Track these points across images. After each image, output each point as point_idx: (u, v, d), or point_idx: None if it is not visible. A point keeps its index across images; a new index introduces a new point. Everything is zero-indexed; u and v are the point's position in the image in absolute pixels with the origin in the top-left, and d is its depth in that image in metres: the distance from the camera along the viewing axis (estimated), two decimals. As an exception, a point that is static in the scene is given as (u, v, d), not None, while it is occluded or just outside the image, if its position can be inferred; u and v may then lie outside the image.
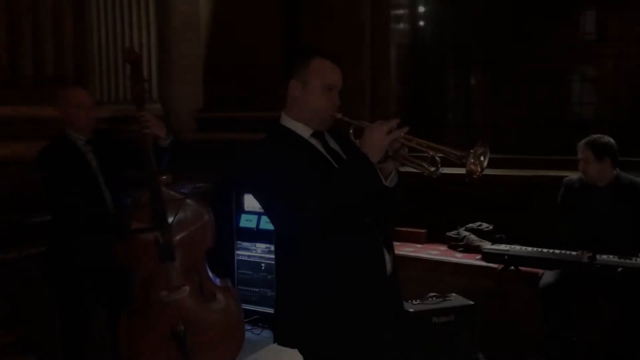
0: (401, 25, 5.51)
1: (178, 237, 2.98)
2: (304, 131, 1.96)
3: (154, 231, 2.85)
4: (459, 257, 4.19)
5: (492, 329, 3.72)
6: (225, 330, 3.09)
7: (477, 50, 5.45)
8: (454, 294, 3.80)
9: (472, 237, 4.31)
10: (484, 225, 4.39)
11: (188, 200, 3.10)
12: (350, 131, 2.00)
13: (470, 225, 4.43)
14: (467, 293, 3.64)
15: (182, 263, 3.00)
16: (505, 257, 3.44)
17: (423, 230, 4.64)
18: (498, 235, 3.98)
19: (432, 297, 3.82)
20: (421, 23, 5.63)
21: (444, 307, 3.60)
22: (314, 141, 1.96)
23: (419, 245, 4.54)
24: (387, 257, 1.92)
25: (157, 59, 6.58)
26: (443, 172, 1.83)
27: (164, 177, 4.00)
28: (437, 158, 1.79)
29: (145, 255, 2.93)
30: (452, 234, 4.43)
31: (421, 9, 5.59)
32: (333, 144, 2.01)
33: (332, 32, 5.32)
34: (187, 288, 3.01)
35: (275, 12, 5.67)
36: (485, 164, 1.75)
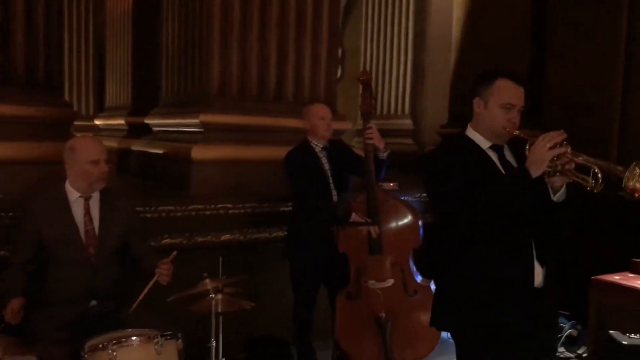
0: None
1: (386, 235, 3.40)
2: (483, 143, 2.17)
3: (367, 226, 3.32)
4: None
5: None
6: (422, 326, 3.38)
7: None
8: (687, 337, 3.41)
9: None
10: None
11: (400, 204, 3.50)
12: (527, 146, 2.14)
13: None
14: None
15: (388, 258, 3.41)
16: None
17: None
18: None
19: (654, 334, 3.50)
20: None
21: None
22: (490, 153, 2.16)
23: (661, 280, 4.10)
24: (539, 270, 2.02)
25: (412, 77, 7.18)
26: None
27: (392, 185, 4.49)
28: (598, 174, 1.83)
29: (359, 246, 3.42)
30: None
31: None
32: (509, 157, 2.17)
33: (583, 47, 5.17)
34: (392, 281, 3.41)
35: (523, 33, 5.72)
36: None
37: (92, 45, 8.55)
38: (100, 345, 2.22)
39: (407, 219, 3.46)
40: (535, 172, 1.91)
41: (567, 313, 4.34)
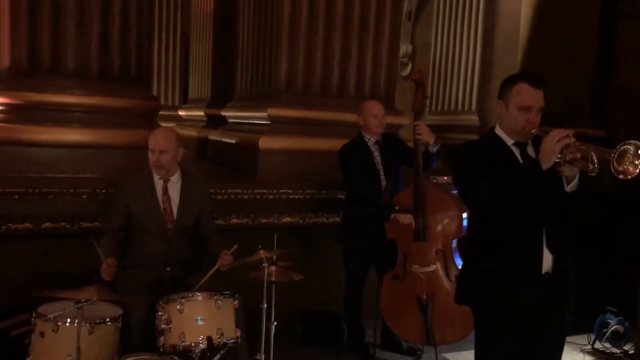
0: None
1: (430, 224, 3.67)
2: (508, 140, 2.40)
3: (411, 213, 3.61)
4: None
5: None
6: (461, 309, 3.61)
7: None
8: None
9: None
10: None
11: (445, 196, 3.75)
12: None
13: None
14: None
15: (432, 245, 3.68)
16: None
17: None
18: None
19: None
20: None
21: None
22: (514, 148, 2.39)
23: None
24: (548, 257, 2.25)
25: (479, 74, 7.28)
26: None
27: (446, 178, 4.72)
28: (595, 159, 2.03)
29: (405, 234, 3.71)
30: None
31: None
32: (531, 152, 2.39)
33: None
34: (435, 266, 3.68)
35: (591, 33, 5.73)
36: None
37: (180, 41, 9.24)
38: (173, 299, 2.67)
39: (451, 210, 3.70)
40: (546, 164, 2.14)
41: (615, 309, 4.42)
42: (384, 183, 3.86)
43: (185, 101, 8.77)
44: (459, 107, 7.33)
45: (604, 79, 5.79)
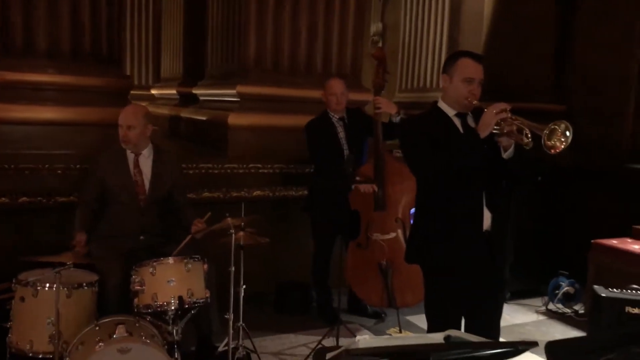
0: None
1: (390, 194, 3.90)
2: (450, 111, 2.61)
3: (372, 183, 3.83)
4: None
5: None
6: (420, 273, 3.87)
7: None
8: (666, 293, 3.77)
9: None
10: None
11: (404, 167, 3.95)
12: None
13: None
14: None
15: (392, 214, 3.92)
16: None
17: (664, 230, 4.50)
18: None
19: (635, 289, 3.88)
20: None
21: (640, 300, 3.65)
22: (455, 120, 2.60)
23: (654, 244, 4.44)
24: (488, 215, 2.49)
25: (447, 52, 7.49)
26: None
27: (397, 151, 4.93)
28: (528, 134, 2.27)
29: (366, 203, 3.94)
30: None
31: None
32: (471, 122, 2.61)
33: (606, 23, 5.42)
34: (394, 234, 3.92)
35: (550, 13, 5.98)
36: (569, 140, 2.18)
37: (152, 20, 9.25)
38: (145, 263, 2.86)
39: (410, 181, 3.89)
40: (483, 133, 2.36)
41: (566, 272, 4.73)
42: (347, 157, 4.06)
43: (159, 80, 8.84)
44: (427, 84, 7.53)
45: (564, 57, 6.05)
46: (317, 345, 3.65)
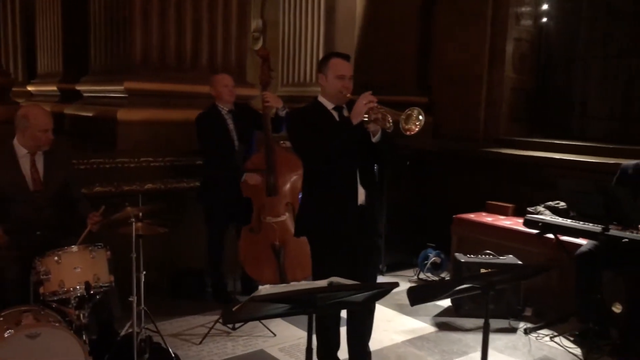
0: (524, 22, 6.05)
1: (280, 180, 4.25)
2: (328, 105, 3.03)
3: (260, 173, 4.16)
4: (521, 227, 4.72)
5: (539, 290, 4.34)
6: (308, 252, 4.26)
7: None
8: (510, 256, 4.49)
9: (547, 212, 4.84)
10: (561, 204, 4.87)
11: (292, 157, 4.33)
12: None
13: (550, 203, 4.94)
14: (525, 258, 4.34)
15: (282, 199, 4.27)
16: (540, 224, 4.06)
17: (510, 205, 5.30)
18: (572, 214, 4.52)
19: (487, 254, 4.57)
20: (544, 20, 6.09)
21: (492, 262, 4.34)
22: (333, 112, 3.02)
23: (501, 217, 5.21)
24: (362, 192, 2.94)
25: (324, 49, 7.97)
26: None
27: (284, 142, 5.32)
28: (390, 119, 2.73)
29: (257, 190, 4.26)
30: (530, 209, 4.99)
31: (545, 6, 6.05)
32: (346, 114, 3.02)
33: (461, 26, 6.17)
34: (285, 216, 4.28)
35: (413, 15, 6.66)
36: (422, 123, 2.66)
37: (19, 14, 8.81)
38: (49, 253, 2.96)
39: (298, 169, 4.28)
40: (355, 121, 2.78)
41: (434, 245, 5.39)
42: (237, 148, 4.35)
43: (31, 76, 8.46)
44: (307, 79, 7.98)
45: (425, 54, 6.77)
46: (214, 324, 3.91)
